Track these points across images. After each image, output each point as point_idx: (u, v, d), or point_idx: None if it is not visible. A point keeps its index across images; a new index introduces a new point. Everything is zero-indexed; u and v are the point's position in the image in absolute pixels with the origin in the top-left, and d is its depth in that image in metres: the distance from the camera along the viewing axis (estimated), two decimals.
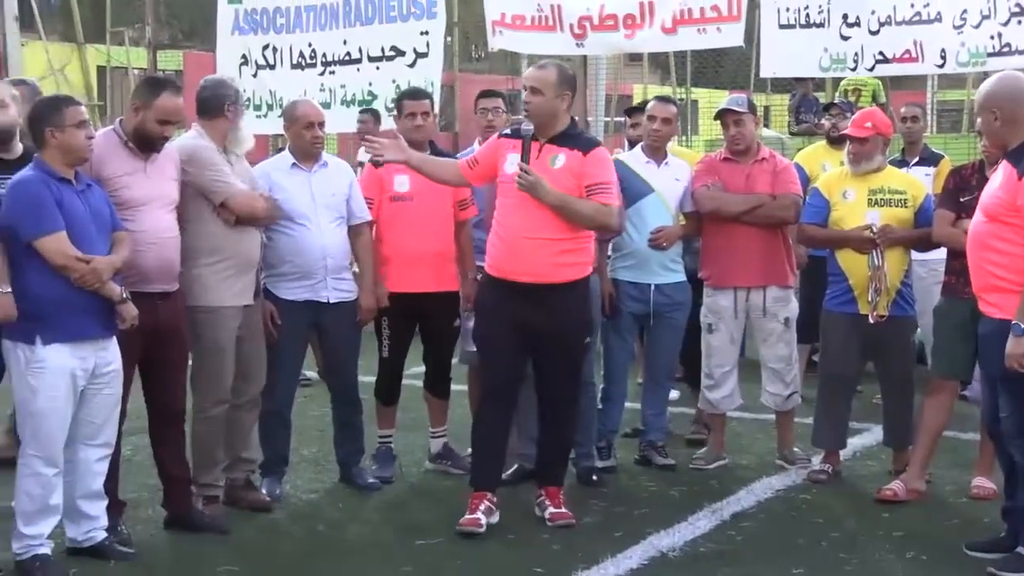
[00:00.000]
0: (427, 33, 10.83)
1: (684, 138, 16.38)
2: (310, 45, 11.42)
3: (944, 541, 6.20)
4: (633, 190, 7.37)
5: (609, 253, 7.47)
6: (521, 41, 11.23)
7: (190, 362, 6.41)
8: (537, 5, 10.78)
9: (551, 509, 6.45)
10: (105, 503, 5.97)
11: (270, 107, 11.35)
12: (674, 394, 8.44)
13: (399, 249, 7.14)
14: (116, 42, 19.69)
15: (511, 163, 6.29)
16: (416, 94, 7.60)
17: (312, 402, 8.67)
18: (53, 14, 23.68)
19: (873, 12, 9.79)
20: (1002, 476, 6.18)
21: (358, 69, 11.18)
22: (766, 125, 15.37)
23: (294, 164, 6.95)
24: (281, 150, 7.71)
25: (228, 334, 6.44)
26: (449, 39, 12.10)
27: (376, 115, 10.50)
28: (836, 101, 11.29)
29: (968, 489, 6.95)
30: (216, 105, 6.52)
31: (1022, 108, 5.69)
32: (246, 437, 6.77)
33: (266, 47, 11.60)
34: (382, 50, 11.04)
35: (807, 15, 10.05)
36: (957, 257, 6.52)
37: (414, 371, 7.72)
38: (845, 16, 9.94)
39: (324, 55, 11.34)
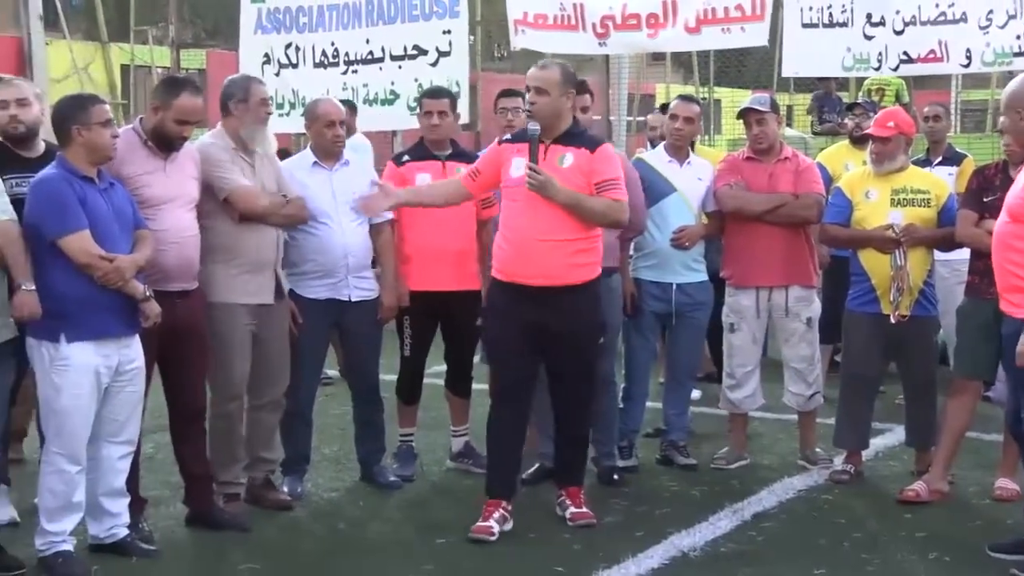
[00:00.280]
0: (449, 32, 10.82)
1: (707, 137, 16.36)
2: (333, 44, 11.41)
3: (967, 542, 6.17)
4: (655, 189, 7.36)
5: (631, 252, 7.47)
6: (544, 40, 11.21)
7: None
8: (560, 4, 10.76)
9: (572, 509, 6.44)
10: (127, 500, 5.98)
11: (292, 106, 11.35)
12: (696, 394, 8.43)
13: (421, 248, 7.14)
14: (140, 41, 19.78)
15: (517, 166, 6.23)
16: (435, 93, 7.60)
17: (333, 400, 8.68)
18: (77, 13, 23.78)
19: (898, 12, 9.75)
20: None
21: (380, 68, 11.17)
22: (789, 125, 15.36)
23: (315, 163, 6.97)
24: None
25: (239, 332, 6.46)
26: (472, 38, 12.09)
27: (353, 107, 10.45)
28: (859, 101, 11.25)
29: (991, 490, 6.91)
30: (223, 103, 6.58)
31: None
32: (266, 437, 6.78)
33: (289, 46, 11.61)
34: (404, 49, 11.03)
35: (830, 14, 10.01)
36: (981, 257, 6.50)
37: (435, 370, 7.72)
38: (869, 15, 9.90)
39: (347, 54, 11.33)
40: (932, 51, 9.67)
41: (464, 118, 10.05)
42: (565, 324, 6.23)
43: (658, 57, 19.43)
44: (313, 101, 7.30)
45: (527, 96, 6.32)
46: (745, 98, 8.14)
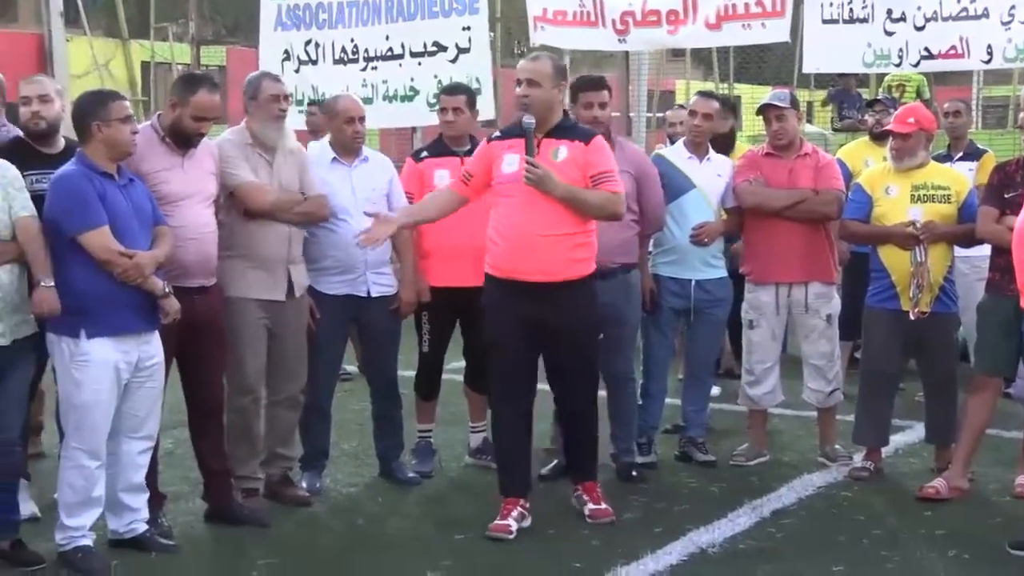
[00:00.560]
0: (469, 28, 10.79)
1: None
2: (352, 40, 11.41)
3: (987, 540, 6.15)
4: (675, 186, 7.35)
5: (650, 248, 7.46)
6: (563, 37, 11.19)
7: None
8: (579, 1, 10.75)
9: (591, 506, 6.42)
10: (146, 496, 6.01)
11: (312, 102, 11.36)
12: (715, 390, 8.42)
13: (440, 243, 7.14)
14: (160, 38, 19.81)
15: (509, 162, 6.18)
16: (452, 89, 7.61)
17: (352, 396, 8.70)
18: (98, 10, 23.84)
19: (919, 8, 9.71)
20: None
21: (400, 64, 11.16)
22: (809, 121, 15.30)
23: (334, 159, 6.98)
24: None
25: (252, 326, 6.48)
26: (491, 35, 12.08)
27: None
28: (880, 97, 11.22)
29: (1011, 487, 6.89)
30: (244, 101, 6.62)
31: None
32: (284, 434, 6.80)
33: (308, 42, 11.60)
34: (424, 45, 11.02)
35: (851, 10, 9.98)
36: (1001, 254, 6.48)
37: (454, 366, 7.73)
38: (890, 11, 9.86)
39: (366, 50, 11.32)
40: (953, 47, 9.63)
41: (490, 113, 10.05)
42: (563, 320, 6.18)
43: (678, 53, 19.33)
44: (333, 97, 7.33)
45: (519, 89, 6.24)
46: (765, 94, 8.12)
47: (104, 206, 5.62)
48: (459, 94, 7.44)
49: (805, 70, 10.99)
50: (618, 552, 5.92)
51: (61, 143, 6.36)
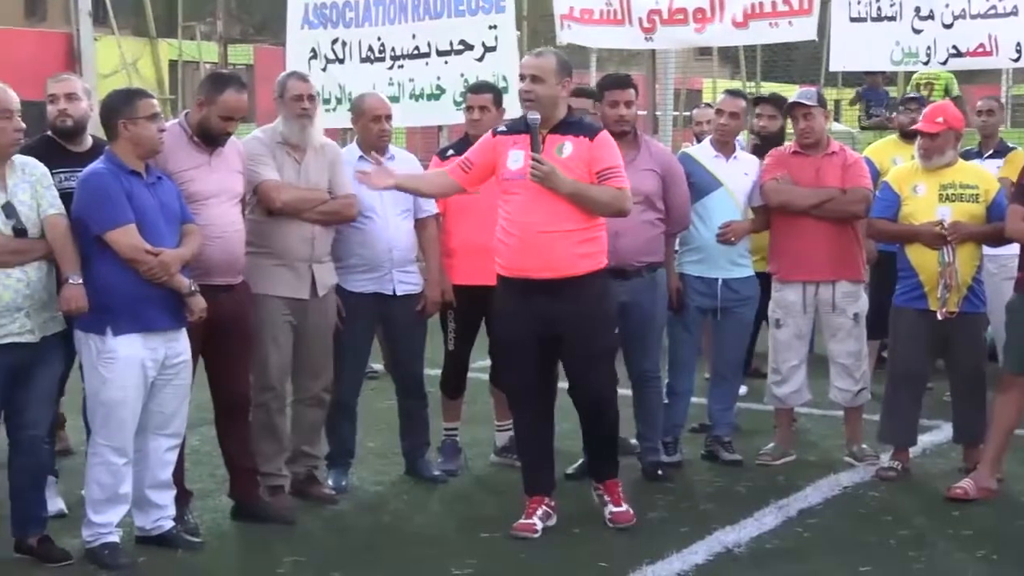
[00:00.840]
0: (495, 27, 10.80)
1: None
2: (379, 39, 11.44)
3: (1015, 541, 6.13)
4: (701, 184, 7.33)
5: (676, 247, 7.44)
6: (589, 35, 11.21)
7: None
8: None
9: (612, 508, 6.36)
10: (173, 493, 6.02)
11: (339, 101, 11.38)
12: (742, 389, 8.39)
13: (465, 242, 7.13)
14: (187, 36, 19.89)
15: (515, 159, 6.13)
16: (478, 88, 7.61)
17: (379, 394, 8.70)
18: (126, 9, 23.95)
19: (947, 5, 9.69)
20: None
21: (427, 63, 11.18)
22: (836, 119, 15.24)
23: (361, 157, 6.98)
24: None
25: (274, 324, 6.50)
26: (518, 33, 12.08)
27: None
28: (912, 95, 11.15)
29: None
30: (274, 100, 6.65)
31: None
32: (309, 433, 6.82)
33: (335, 41, 11.64)
34: (450, 44, 11.04)
35: (879, 8, 9.96)
36: None
37: (480, 364, 7.73)
38: (917, 9, 9.84)
39: (393, 49, 11.35)
40: (981, 45, 9.61)
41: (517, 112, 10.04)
42: (575, 316, 6.12)
43: (705, 52, 19.31)
44: (359, 96, 7.32)
45: (523, 85, 6.20)
46: (792, 93, 8.10)
47: (131, 204, 5.64)
48: (485, 92, 7.44)
49: (832, 68, 10.98)
50: (644, 551, 5.91)
51: (89, 141, 6.39)
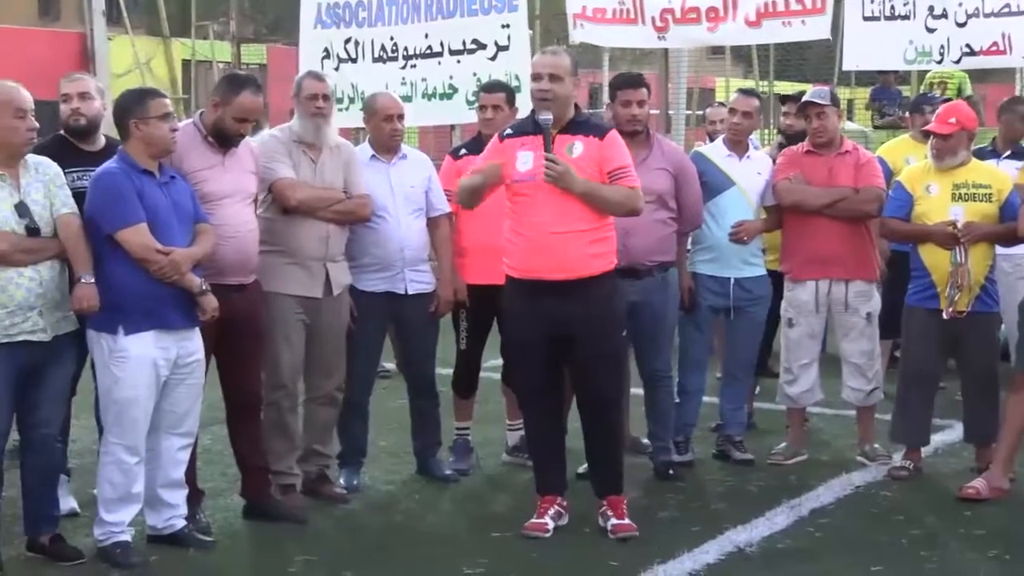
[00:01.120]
0: (508, 26, 10.80)
1: (767, 131, 16.26)
2: (392, 39, 11.45)
3: None
4: (714, 183, 7.32)
5: (688, 246, 7.43)
6: (602, 34, 11.20)
7: None
8: None
9: (614, 520, 6.23)
10: (185, 492, 6.04)
11: (352, 100, 11.39)
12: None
13: (478, 241, 7.13)
14: (201, 36, 19.95)
15: (524, 160, 6.09)
16: (491, 87, 7.62)
17: (390, 394, 8.71)
18: (139, 9, 24.01)
19: (960, 4, 9.66)
20: None
21: (439, 62, 11.19)
22: (849, 119, 15.21)
23: (373, 156, 6.99)
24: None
25: (287, 322, 6.51)
26: (531, 32, 12.08)
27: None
28: (930, 95, 11.12)
29: None
30: (292, 99, 6.67)
31: None
32: (320, 432, 6.83)
33: (348, 40, 11.66)
34: (463, 43, 11.04)
35: (892, 7, 9.94)
36: None
37: (492, 363, 7.73)
38: (931, 8, 9.82)
39: (405, 48, 11.36)
40: (995, 44, 9.58)
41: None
42: (586, 317, 6.08)
43: (717, 51, 19.30)
44: (371, 95, 7.32)
45: (539, 84, 6.11)
46: (805, 92, 8.09)
47: (143, 203, 5.65)
48: (498, 92, 7.44)
49: (845, 67, 10.96)
50: (655, 551, 5.90)
51: (102, 141, 6.40)
